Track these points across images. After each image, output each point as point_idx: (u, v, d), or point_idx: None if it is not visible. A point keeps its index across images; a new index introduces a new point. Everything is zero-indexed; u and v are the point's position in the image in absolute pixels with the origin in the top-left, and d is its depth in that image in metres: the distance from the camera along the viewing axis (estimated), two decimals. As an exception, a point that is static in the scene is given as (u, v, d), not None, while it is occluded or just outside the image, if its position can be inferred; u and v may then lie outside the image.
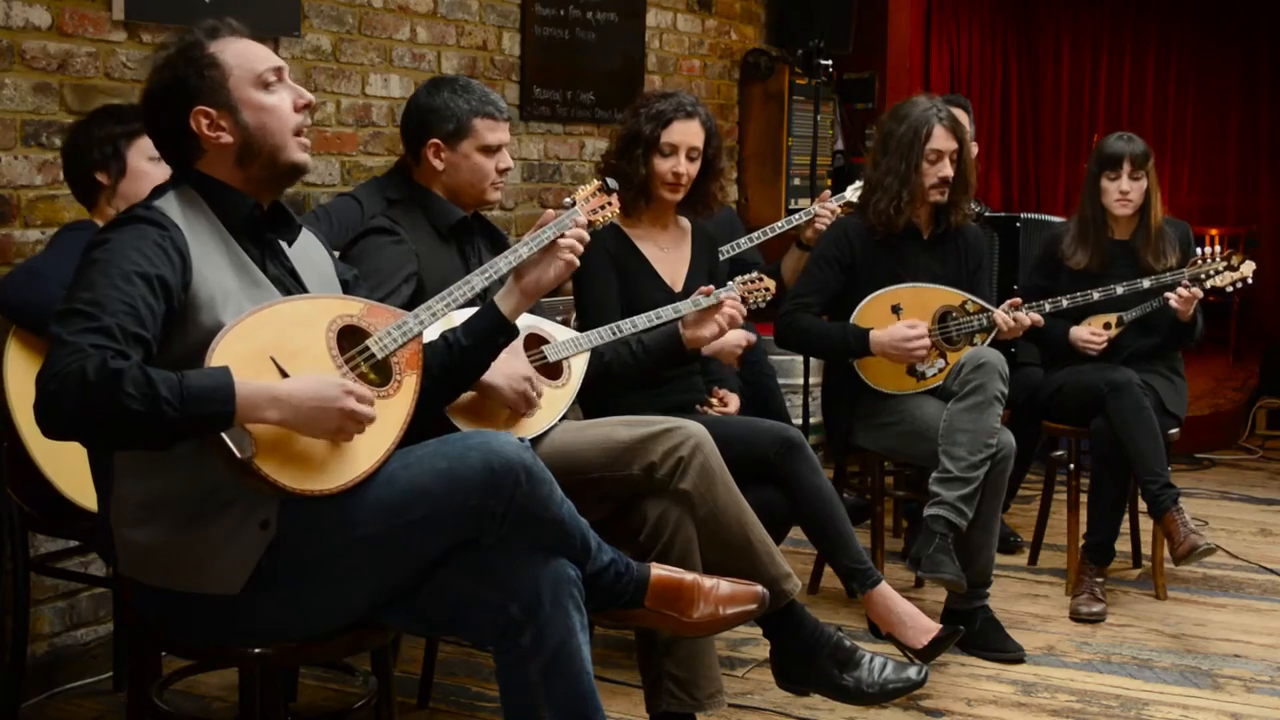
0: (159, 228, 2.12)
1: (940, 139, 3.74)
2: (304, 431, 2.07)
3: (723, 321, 3.16)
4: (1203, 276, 4.06)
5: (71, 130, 3.06)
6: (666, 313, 3.17)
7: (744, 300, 3.43)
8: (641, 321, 3.14)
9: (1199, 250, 4.12)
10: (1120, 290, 4.02)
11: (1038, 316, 3.78)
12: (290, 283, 2.32)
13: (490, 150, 2.98)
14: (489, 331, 2.52)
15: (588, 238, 2.60)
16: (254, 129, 2.22)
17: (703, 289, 3.18)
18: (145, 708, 2.42)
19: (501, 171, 3.01)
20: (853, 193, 4.23)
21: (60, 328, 1.97)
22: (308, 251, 2.42)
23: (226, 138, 2.21)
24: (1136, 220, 4.19)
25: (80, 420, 1.93)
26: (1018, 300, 3.78)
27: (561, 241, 2.55)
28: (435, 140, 2.96)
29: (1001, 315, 3.71)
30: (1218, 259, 4.06)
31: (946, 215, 3.83)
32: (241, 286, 2.20)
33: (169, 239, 2.11)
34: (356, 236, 2.95)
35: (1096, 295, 4.00)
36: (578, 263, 2.56)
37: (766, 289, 3.45)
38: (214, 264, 2.17)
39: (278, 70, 2.26)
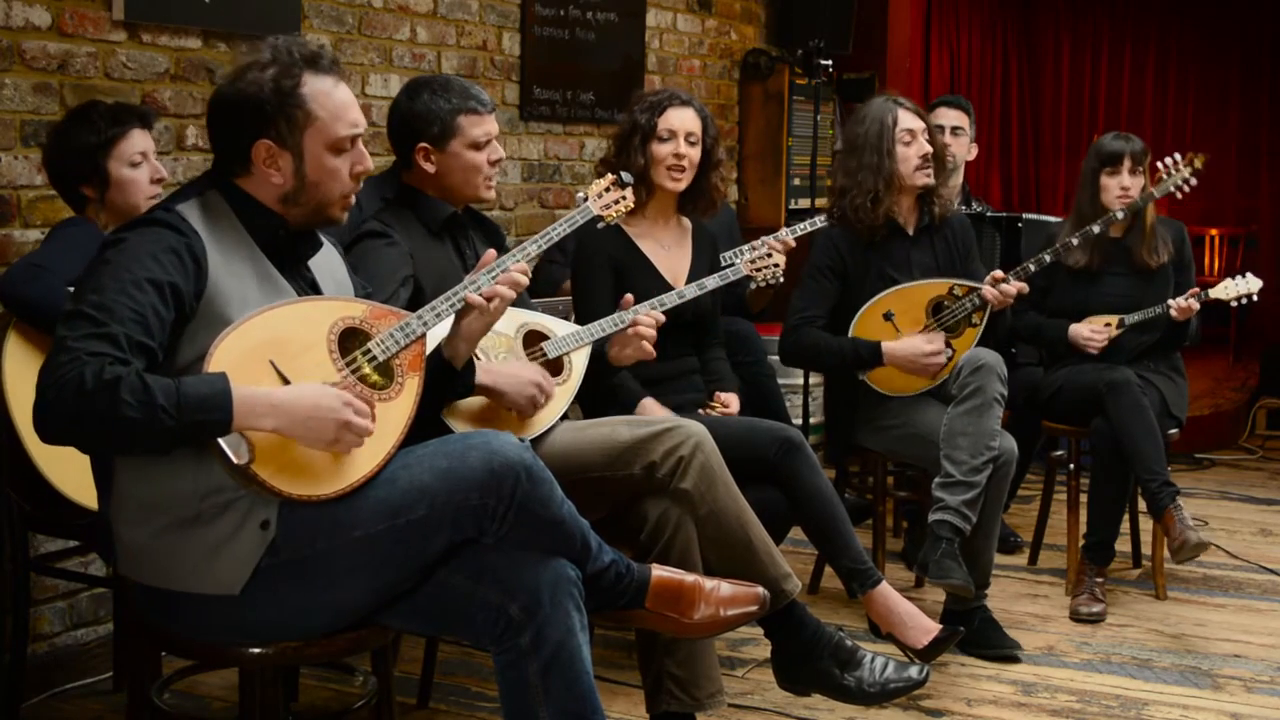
0: (177, 233, 2.11)
1: (907, 120, 3.75)
2: (301, 441, 2.07)
3: (645, 347, 3.03)
4: (1172, 188, 4.11)
5: (48, 142, 3.03)
6: (671, 298, 3.16)
7: (752, 276, 3.43)
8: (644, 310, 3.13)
9: (1160, 164, 4.15)
10: (1096, 229, 4.02)
11: (1023, 285, 3.76)
12: (308, 295, 2.31)
13: (479, 145, 2.96)
14: (437, 377, 2.47)
15: (523, 281, 2.46)
16: (309, 182, 2.22)
17: (625, 298, 3.07)
18: (145, 708, 2.43)
19: (494, 163, 3.00)
20: (800, 230, 4.13)
21: (65, 331, 1.97)
22: (328, 263, 2.42)
23: (278, 178, 2.21)
24: (1130, 219, 4.20)
25: (77, 428, 1.94)
26: (999, 274, 3.75)
27: (489, 293, 2.41)
28: (423, 145, 2.95)
29: (989, 290, 3.70)
30: (1181, 166, 4.11)
31: (930, 207, 3.83)
32: (263, 294, 2.19)
33: (185, 245, 2.10)
34: (351, 240, 2.95)
35: (1075, 241, 4.02)
36: (503, 308, 2.44)
37: (775, 264, 3.43)
38: (235, 271, 2.17)
39: (355, 138, 2.25)
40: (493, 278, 2.43)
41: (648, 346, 3.03)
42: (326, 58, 2.23)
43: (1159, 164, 4.17)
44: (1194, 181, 4.13)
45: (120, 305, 1.99)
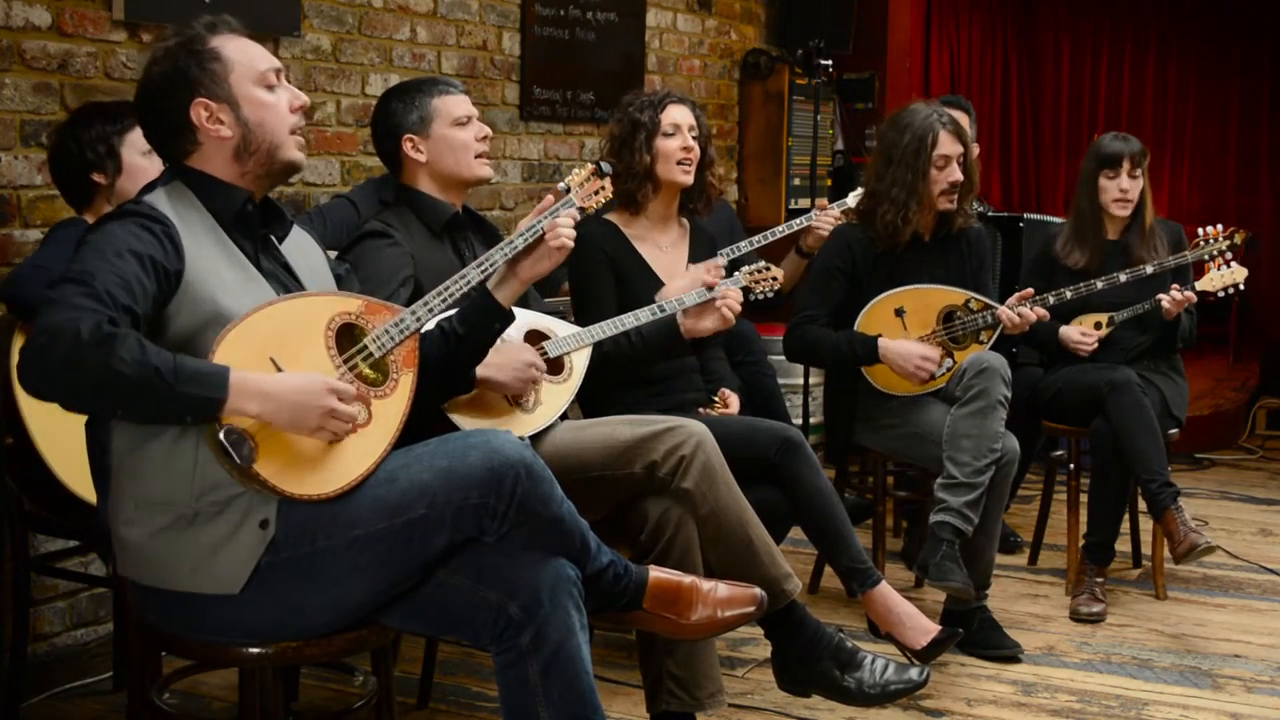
0: (150, 219, 2.13)
1: (946, 144, 3.71)
2: (285, 428, 2.07)
3: (725, 313, 3.21)
4: (1206, 258, 4.08)
5: (57, 134, 3.04)
6: (671, 305, 3.18)
7: (750, 290, 3.45)
8: (644, 315, 3.14)
9: (1201, 230, 4.13)
10: (1124, 278, 4.02)
11: (1043, 311, 3.76)
12: (284, 276, 2.33)
13: (462, 123, 3.00)
14: (484, 318, 2.54)
15: (578, 217, 2.60)
16: (254, 124, 2.24)
17: (706, 280, 3.20)
18: (145, 708, 2.43)
19: (482, 139, 3.02)
20: (853, 199, 4.20)
21: (54, 294, 1.97)
22: (300, 246, 2.43)
23: (226, 131, 2.23)
24: (1129, 220, 4.20)
25: (64, 377, 1.92)
26: (1028, 292, 3.75)
27: (552, 240, 2.55)
28: (408, 136, 2.98)
29: (1006, 311, 3.70)
30: (1220, 238, 4.07)
31: (950, 219, 3.81)
32: (237, 276, 2.21)
33: (161, 228, 2.13)
34: (353, 240, 2.96)
35: (1100, 284, 4.00)
36: (570, 245, 2.57)
37: (774, 279, 3.45)
38: (208, 255, 2.18)
39: (277, 71, 2.29)
40: (482, 271, 2.46)
41: (729, 315, 3.24)
42: (224, 23, 2.28)
43: (1199, 230, 4.14)
44: (1230, 256, 4.10)
45: (103, 270, 2.00)
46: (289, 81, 2.33)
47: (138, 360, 1.93)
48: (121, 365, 1.91)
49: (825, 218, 4.21)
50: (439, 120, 2.98)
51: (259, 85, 2.25)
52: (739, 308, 3.26)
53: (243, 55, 2.25)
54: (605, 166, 2.74)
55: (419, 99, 2.99)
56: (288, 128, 2.28)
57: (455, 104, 3.00)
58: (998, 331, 3.72)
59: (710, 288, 3.24)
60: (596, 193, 2.70)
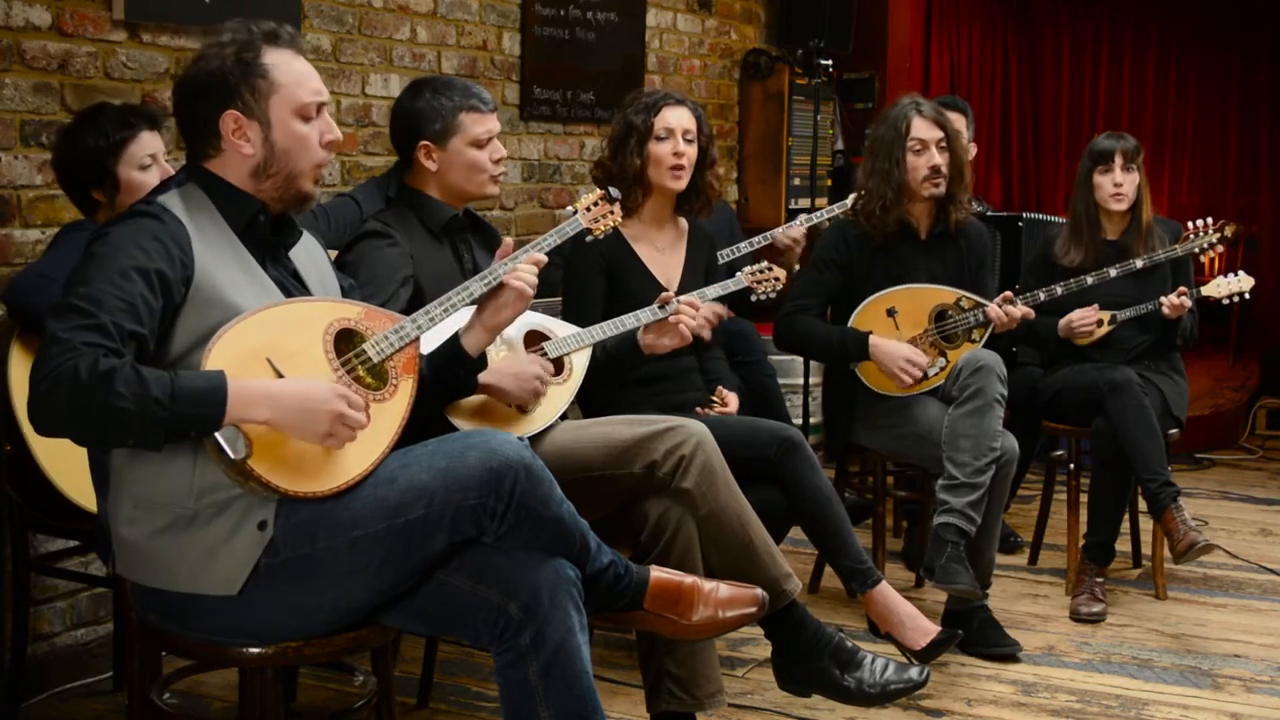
0: (159, 222, 2.13)
1: (920, 128, 3.72)
2: (293, 433, 2.07)
3: (684, 332, 3.12)
4: (1197, 250, 4.09)
5: (58, 144, 3.04)
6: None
7: (753, 290, 3.45)
8: (645, 315, 3.14)
9: (1190, 224, 4.14)
10: (1114, 273, 4.03)
11: (1029, 310, 3.77)
12: (292, 284, 2.33)
13: (481, 143, 2.98)
14: (450, 364, 2.51)
15: (543, 262, 2.53)
16: (279, 150, 2.23)
17: (662, 296, 3.17)
18: (145, 708, 2.43)
19: (496, 162, 3.01)
20: (840, 208, 4.19)
21: (56, 324, 1.98)
22: (309, 253, 2.43)
23: (249, 148, 2.22)
24: (1128, 219, 4.20)
25: (71, 419, 1.95)
26: (1009, 294, 3.76)
27: (512, 282, 2.48)
28: (425, 142, 2.96)
29: (995, 310, 3.70)
30: (1210, 230, 4.08)
31: (946, 213, 3.81)
32: (248, 280, 2.21)
33: (169, 233, 2.12)
34: (352, 240, 2.95)
35: (1090, 280, 4.01)
36: (530, 294, 2.50)
37: (776, 279, 3.45)
38: (220, 258, 2.18)
39: (320, 106, 2.27)
40: (485, 284, 2.46)
41: (686, 334, 3.11)
42: (284, 33, 2.26)
43: (1189, 224, 4.16)
44: (1220, 249, 4.11)
45: (108, 295, 2.00)
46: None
47: (136, 393, 1.94)
48: (121, 401, 1.93)
49: (788, 238, 4.24)
50: (459, 136, 2.95)
51: (296, 115, 2.23)
52: (703, 323, 3.17)
53: (290, 80, 2.23)
54: (614, 192, 2.74)
55: (446, 107, 2.94)
56: (313, 162, 2.26)
57: (480, 124, 2.96)
58: (989, 330, 3.73)
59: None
60: (605, 217, 2.71)
